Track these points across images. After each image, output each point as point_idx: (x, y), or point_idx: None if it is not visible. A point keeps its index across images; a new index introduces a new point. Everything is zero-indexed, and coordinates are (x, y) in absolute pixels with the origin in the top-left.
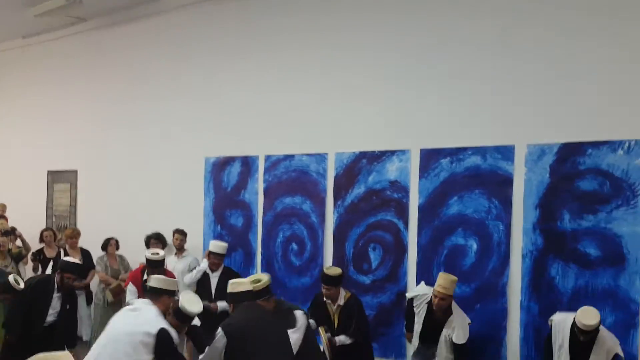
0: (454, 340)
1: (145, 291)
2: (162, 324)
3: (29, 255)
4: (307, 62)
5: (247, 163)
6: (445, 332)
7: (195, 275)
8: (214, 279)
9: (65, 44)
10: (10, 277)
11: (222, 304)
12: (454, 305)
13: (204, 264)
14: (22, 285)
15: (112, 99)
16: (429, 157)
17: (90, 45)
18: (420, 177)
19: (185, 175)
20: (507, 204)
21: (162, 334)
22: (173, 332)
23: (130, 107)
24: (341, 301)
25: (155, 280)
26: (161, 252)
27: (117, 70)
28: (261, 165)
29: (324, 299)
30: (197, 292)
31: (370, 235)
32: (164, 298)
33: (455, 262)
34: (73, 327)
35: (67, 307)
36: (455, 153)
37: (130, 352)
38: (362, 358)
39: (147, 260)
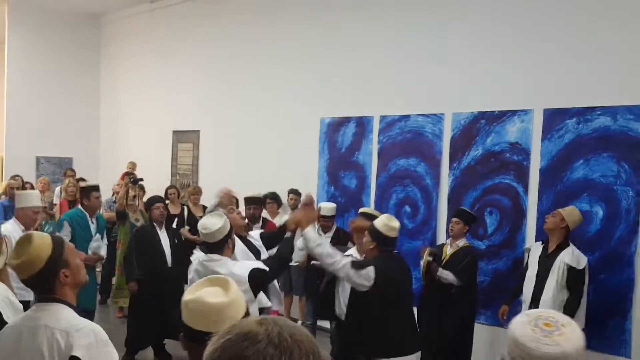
0: (570, 262)
1: None
2: None
3: None
4: (423, 20)
5: (362, 123)
6: (560, 258)
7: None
8: (326, 239)
9: (188, 8)
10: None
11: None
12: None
13: (316, 226)
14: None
15: (232, 63)
16: (553, 118)
17: (211, 9)
18: (542, 139)
19: (301, 135)
20: (638, 168)
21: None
22: None
23: (249, 70)
24: (461, 242)
25: None
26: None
27: (237, 34)
28: (376, 126)
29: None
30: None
31: (487, 199)
32: None
33: (578, 228)
34: None
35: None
36: (583, 113)
37: None
38: (464, 309)
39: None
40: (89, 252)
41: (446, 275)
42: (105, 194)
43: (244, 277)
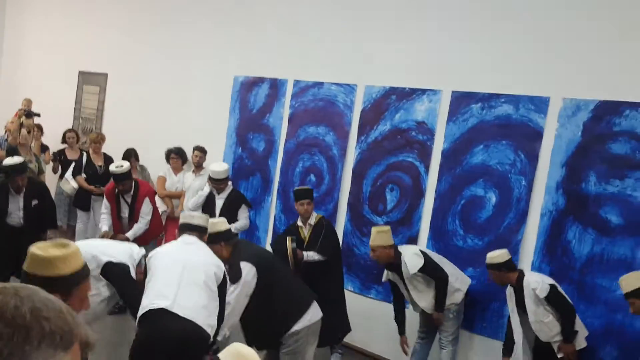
0: (404, 270)
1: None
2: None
3: (49, 155)
4: None
5: (276, 86)
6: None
7: (198, 200)
8: (219, 200)
9: None
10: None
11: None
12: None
13: (207, 188)
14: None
15: (147, 11)
16: (460, 101)
17: None
18: (448, 121)
19: (213, 92)
20: (533, 159)
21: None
22: None
23: (164, 20)
24: (312, 221)
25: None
26: (125, 164)
27: None
28: (289, 90)
29: (298, 222)
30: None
31: (390, 175)
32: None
33: (471, 213)
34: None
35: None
36: (488, 99)
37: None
38: (333, 279)
39: (112, 174)
40: None
41: (312, 256)
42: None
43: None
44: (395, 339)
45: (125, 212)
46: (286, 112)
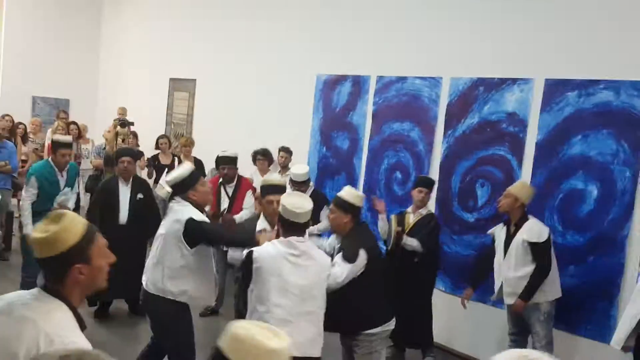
0: (529, 239)
1: None
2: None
3: (144, 161)
4: None
5: (359, 83)
6: (519, 236)
7: None
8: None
9: None
10: None
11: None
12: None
13: (289, 191)
14: None
15: (231, 15)
16: (554, 89)
17: None
18: (541, 111)
19: (297, 92)
20: (638, 148)
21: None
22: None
23: (248, 23)
24: (424, 211)
25: None
26: (233, 151)
27: None
28: (372, 86)
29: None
30: None
31: (480, 170)
32: None
33: (571, 207)
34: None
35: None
36: (585, 86)
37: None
38: (424, 282)
39: (218, 157)
40: (55, 204)
41: (410, 242)
42: (100, 139)
43: (184, 219)
44: (486, 339)
45: (224, 205)
46: (370, 109)
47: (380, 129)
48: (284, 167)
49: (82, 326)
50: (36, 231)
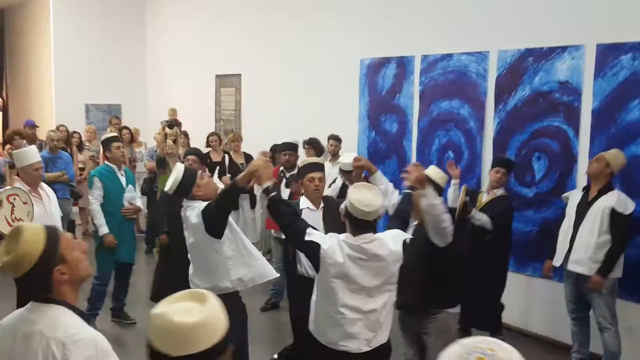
0: (616, 207)
1: None
2: None
3: None
4: None
5: (403, 64)
6: (602, 202)
7: (332, 193)
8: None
9: None
10: None
11: None
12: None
13: (339, 180)
14: None
15: (272, 5)
16: (607, 54)
17: None
18: (595, 77)
19: (341, 78)
20: None
21: None
22: None
23: (289, 13)
24: (499, 192)
25: None
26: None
27: None
28: (417, 67)
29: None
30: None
31: (535, 143)
32: None
33: (635, 175)
34: None
35: None
36: (639, 48)
37: None
38: (496, 260)
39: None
40: (125, 202)
41: (480, 216)
42: (153, 142)
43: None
44: (556, 317)
45: (285, 197)
46: (416, 89)
47: (428, 109)
48: (334, 155)
49: (86, 318)
50: (2, 255)
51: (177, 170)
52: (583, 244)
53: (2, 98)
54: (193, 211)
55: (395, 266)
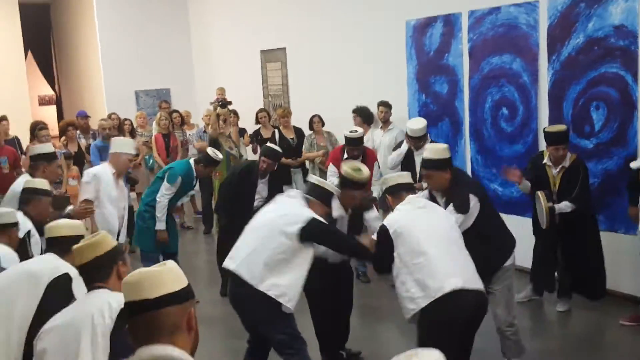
0: None
1: None
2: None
3: (247, 137)
4: None
5: (450, 22)
6: None
7: (397, 159)
8: (418, 157)
9: None
10: (209, 150)
11: None
12: None
13: (404, 146)
14: (220, 156)
15: None
16: None
17: None
18: None
19: (387, 43)
20: None
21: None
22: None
23: None
24: (566, 163)
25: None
26: (360, 130)
27: None
28: (464, 23)
29: (544, 161)
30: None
31: (592, 92)
32: None
33: None
34: None
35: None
36: None
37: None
38: (586, 230)
39: (346, 138)
40: (179, 203)
41: (564, 208)
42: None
43: (305, 216)
44: (627, 270)
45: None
46: (465, 47)
47: (479, 66)
48: (385, 122)
49: None
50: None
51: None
52: None
53: (55, 91)
54: (301, 205)
55: (451, 217)
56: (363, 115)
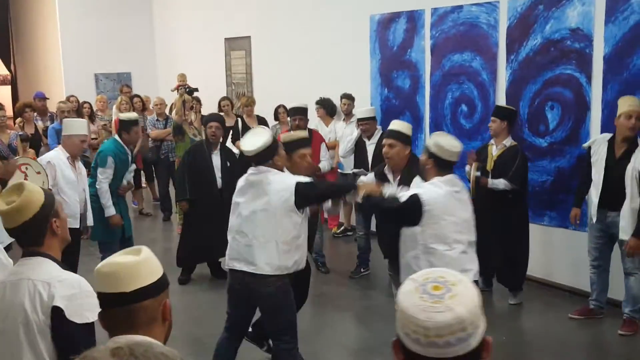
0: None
1: None
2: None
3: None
4: None
5: (413, 18)
6: (632, 165)
7: (347, 145)
8: (370, 146)
9: None
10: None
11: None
12: None
13: (355, 133)
14: (133, 115)
15: None
16: None
17: None
18: (606, 23)
19: (351, 36)
20: None
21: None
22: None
23: None
24: (507, 143)
25: None
26: (304, 102)
27: None
28: (427, 20)
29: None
30: (354, 161)
31: (548, 92)
32: None
33: None
34: None
35: (228, 164)
36: None
37: None
38: (515, 220)
39: (289, 109)
40: (125, 182)
41: (497, 184)
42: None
43: (291, 185)
44: (576, 265)
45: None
46: (427, 43)
47: (440, 63)
48: (348, 115)
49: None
50: (2, 204)
51: (264, 135)
52: (627, 211)
53: (10, 71)
54: (280, 177)
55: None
56: (326, 107)
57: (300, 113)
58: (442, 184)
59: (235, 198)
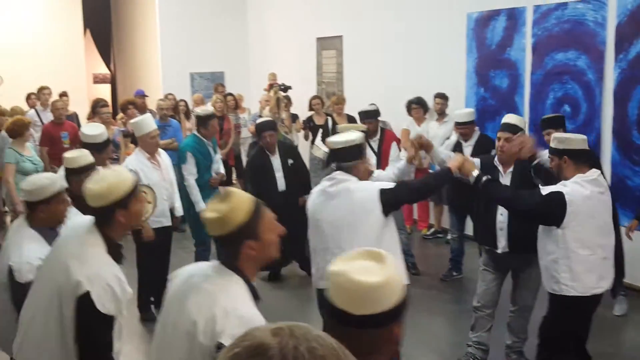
0: None
1: None
2: None
3: (299, 123)
4: None
5: (514, 16)
6: None
7: (445, 150)
8: (467, 148)
9: None
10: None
11: None
12: None
13: (453, 137)
14: (209, 109)
15: None
16: None
17: None
18: None
19: (447, 35)
20: None
21: None
22: None
23: None
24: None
25: None
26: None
27: None
28: (529, 18)
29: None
30: None
31: None
32: None
33: None
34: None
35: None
36: None
37: None
38: None
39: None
40: (213, 174)
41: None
42: (255, 107)
43: (375, 195)
44: None
45: (372, 160)
46: (529, 42)
47: (542, 62)
48: (441, 114)
49: (257, 298)
50: (208, 211)
51: (356, 134)
52: None
53: (110, 70)
54: (359, 187)
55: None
56: (425, 107)
57: (370, 116)
58: (587, 184)
59: (314, 215)
